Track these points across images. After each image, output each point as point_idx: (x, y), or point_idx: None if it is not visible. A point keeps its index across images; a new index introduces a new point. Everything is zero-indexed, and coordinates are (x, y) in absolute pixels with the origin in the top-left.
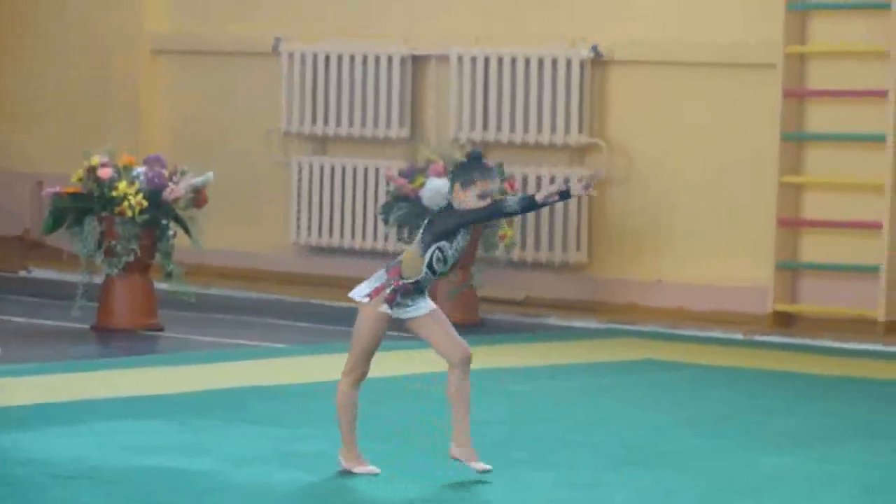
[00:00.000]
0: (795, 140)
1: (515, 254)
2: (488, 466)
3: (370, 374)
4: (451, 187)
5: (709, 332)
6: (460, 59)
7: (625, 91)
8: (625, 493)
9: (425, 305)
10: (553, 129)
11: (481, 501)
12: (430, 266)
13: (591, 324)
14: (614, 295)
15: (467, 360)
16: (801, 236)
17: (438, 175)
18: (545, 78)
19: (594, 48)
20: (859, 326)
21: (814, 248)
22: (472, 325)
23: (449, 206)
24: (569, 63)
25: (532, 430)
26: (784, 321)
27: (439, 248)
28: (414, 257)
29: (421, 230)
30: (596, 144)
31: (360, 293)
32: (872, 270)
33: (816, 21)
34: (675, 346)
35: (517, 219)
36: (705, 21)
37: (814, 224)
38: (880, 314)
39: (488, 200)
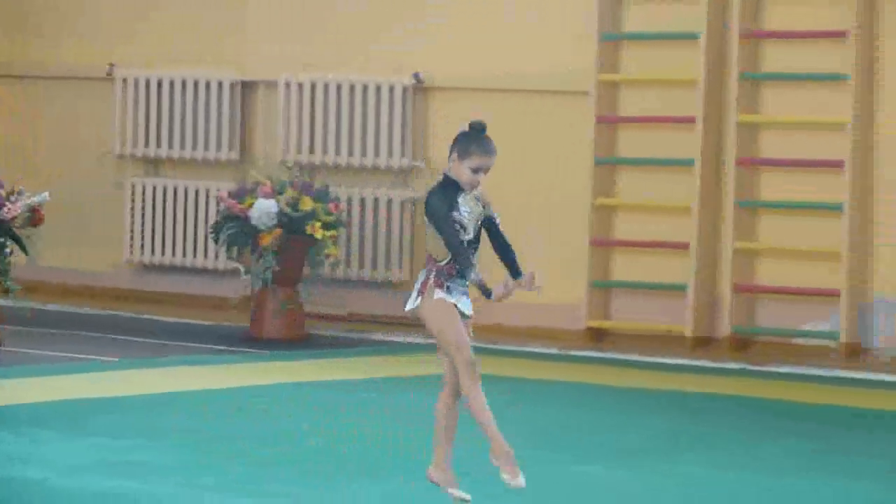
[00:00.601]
0: (607, 164)
1: (340, 272)
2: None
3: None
4: (450, 155)
5: (526, 346)
6: (288, 85)
7: (446, 116)
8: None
9: (469, 306)
10: (377, 152)
11: None
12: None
13: (413, 339)
14: None
15: (472, 369)
16: (613, 256)
17: (267, 196)
18: (369, 103)
19: (416, 75)
20: (668, 341)
21: (625, 268)
22: (299, 340)
23: (444, 178)
24: (392, 89)
25: (355, 443)
26: (597, 336)
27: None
28: (434, 240)
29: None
30: (418, 167)
31: (411, 301)
32: (680, 289)
33: (628, 50)
34: (493, 361)
35: (342, 238)
36: (522, 50)
37: (625, 244)
38: (688, 330)
39: (481, 175)
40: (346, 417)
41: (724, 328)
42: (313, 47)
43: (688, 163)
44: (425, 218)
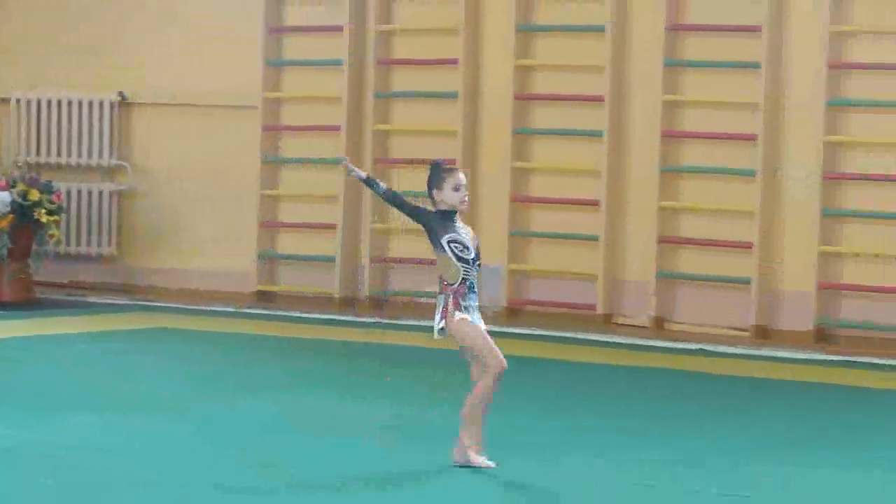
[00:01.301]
0: (273, 163)
1: (62, 248)
2: (491, 464)
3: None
4: (431, 193)
5: (211, 306)
6: (19, 101)
7: (146, 126)
8: (139, 432)
9: (480, 319)
10: (90, 154)
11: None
12: (459, 259)
13: (122, 301)
14: (140, 279)
15: (501, 373)
16: (278, 234)
17: (1, 189)
18: (84, 115)
19: (120, 93)
20: (320, 302)
21: (287, 243)
22: (31, 303)
23: (437, 212)
24: (101, 104)
25: (73, 381)
26: (265, 298)
27: (450, 241)
28: (445, 263)
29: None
30: (123, 166)
31: (437, 328)
32: (330, 260)
33: (287, 74)
34: (185, 318)
35: (63, 222)
36: (205, 73)
37: (286, 226)
38: (336, 292)
39: (462, 191)
40: (66, 362)
41: (365, 291)
42: (39, 71)
43: (336, 161)
44: (435, 248)
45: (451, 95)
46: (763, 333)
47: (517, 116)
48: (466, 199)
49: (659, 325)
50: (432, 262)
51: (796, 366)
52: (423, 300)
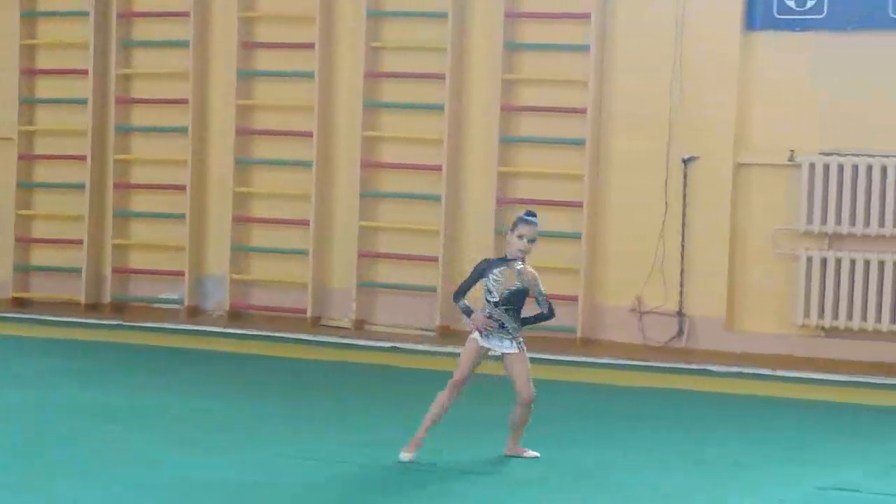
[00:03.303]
0: (27, 188)
1: None
2: (536, 453)
3: None
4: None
5: None
6: None
7: None
8: None
9: (510, 346)
10: None
11: None
12: (485, 299)
13: None
14: None
15: (530, 401)
16: (31, 248)
17: None
18: None
19: None
20: (68, 307)
21: (41, 256)
22: None
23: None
24: None
25: None
26: (20, 303)
27: (484, 285)
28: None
29: None
30: None
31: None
32: (77, 271)
33: (41, 110)
34: None
35: None
36: None
37: (39, 241)
38: (81, 298)
39: (524, 242)
40: None
41: (107, 296)
42: None
43: (79, 187)
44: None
45: (182, 130)
46: (447, 332)
47: (238, 148)
48: (525, 248)
49: (359, 326)
50: (165, 273)
51: None
52: (160, 305)
